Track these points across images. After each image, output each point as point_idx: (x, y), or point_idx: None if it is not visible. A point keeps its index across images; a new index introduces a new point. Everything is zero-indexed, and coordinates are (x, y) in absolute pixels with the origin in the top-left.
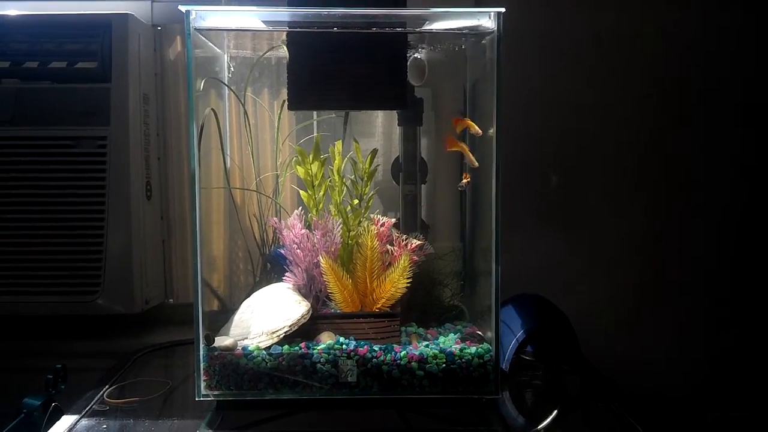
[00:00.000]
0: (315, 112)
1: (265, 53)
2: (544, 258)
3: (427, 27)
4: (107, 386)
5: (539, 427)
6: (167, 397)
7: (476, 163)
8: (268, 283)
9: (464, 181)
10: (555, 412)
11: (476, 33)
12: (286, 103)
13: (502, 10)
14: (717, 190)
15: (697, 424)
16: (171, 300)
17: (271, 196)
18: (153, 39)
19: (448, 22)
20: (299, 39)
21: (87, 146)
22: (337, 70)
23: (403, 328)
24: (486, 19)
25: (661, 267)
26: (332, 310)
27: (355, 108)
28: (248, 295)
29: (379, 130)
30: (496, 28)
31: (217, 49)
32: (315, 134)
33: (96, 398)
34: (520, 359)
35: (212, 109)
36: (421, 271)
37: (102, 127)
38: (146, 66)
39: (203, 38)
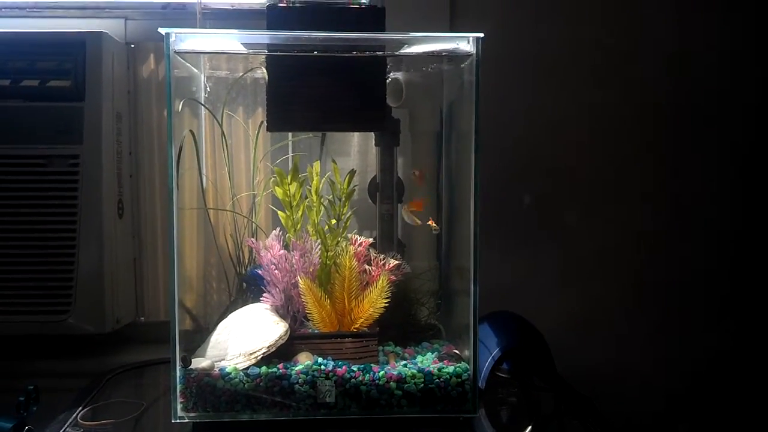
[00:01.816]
0: (290, 134)
1: (244, 74)
2: (517, 274)
3: (406, 50)
4: (80, 408)
5: None
6: (141, 418)
7: (418, 223)
8: (244, 302)
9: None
10: (529, 428)
11: (455, 56)
12: (265, 124)
13: (481, 35)
14: (691, 201)
15: None
16: (142, 318)
17: (247, 216)
18: (126, 57)
19: (427, 45)
20: (278, 61)
21: (59, 165)
22: (316, 92)
23: (380, 348)
24: (464, 43)
25: (636, 281)
26: (310, 331)
27: (333, 129)
28: (224, 315)
29: (355, 149)
30: (474, 52)
31: (194, 69)
32: (291, 154)
33: (69, 420)
34: (495, 377)
35: (191, 131)
36: (398, 291)
37: (74, 146)
38: (119, 84)
39: (180, 59)
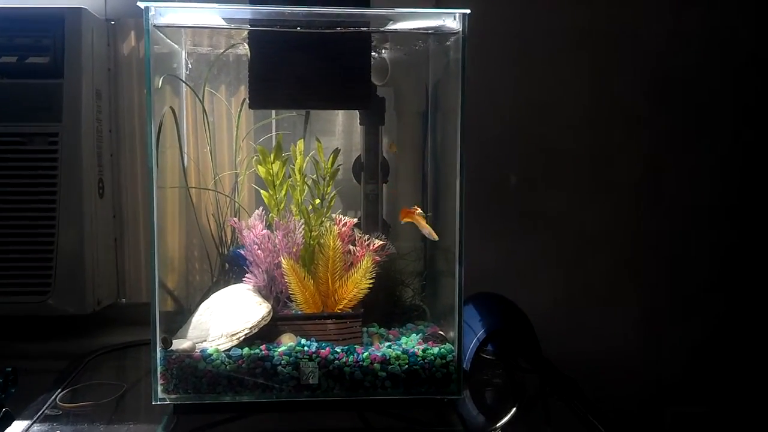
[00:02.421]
0: (274, 111)
1: (226, 50)
2: (503, 256)
3: (391, 27)
4: (60, 390)
5: (498, 425)
6: (121, 400)
7: (435, 237)
8: (226, 283)
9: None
10: (514, 410)
11: (441, 33)
12: (247, 101)
13: (468, 11)
14: (681, 187)
15: (657, 420)
16: (123, 300)
17: (229, 196)
18: (106, 34)
19: (413, 22)
20: (261, 37)
21: (38, 143)
22: (299, 69)
23: (365, 329)
24: (451, 20)
25: (622, 265)
26: (293, 311)
27: (317, 107)
28: (206, 296)
29: (340, 128)
30: (461, 30)
31: (175, 46)
32: (274, 133)
33: (48, 402)
34: (480, 358)
35: (171, 107)
36: (383, 271)
37: (54, 124)
38: (99, 61)
39: (161, 34)
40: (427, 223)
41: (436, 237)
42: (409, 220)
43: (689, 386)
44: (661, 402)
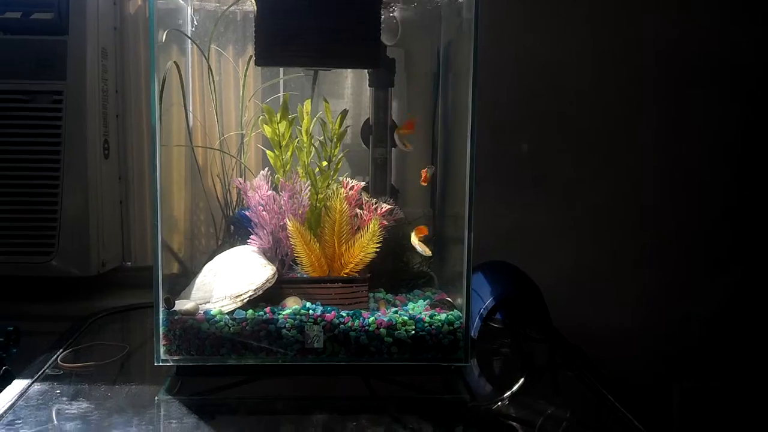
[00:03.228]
0: (282, 71)
1: (231, 6)
2: (513, 224)
3: None
4: (61, 350)
5: (505, 395)
6: (124, 361)
7: (429, 252)
8: (232, 245)
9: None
10: (521, 380)
11: None
12: (253, 58)
13: None
14: (693, 160)
15: (665, 392)
16: (129, 263)
17: (235, 156)
18: None
19: None
20: None
21: (42, 101)
22: (307, 25)
23: (371, 294)
24: None
25: (633, 235)
26: (299, 275)
27: (325, 65)
28: (211, 258)
29: (349, 91)
30: None
31: (181, 1)
32: (282, 93)
33: (49, 362)
34: (488, 326)
35: (174, 62)
36: (391, 237)
37: (58, 82)
38: (105, 19)
39: None
40: (430, 175)
41: (429, 253)
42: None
43: (699, 360)
44: (671, 376)
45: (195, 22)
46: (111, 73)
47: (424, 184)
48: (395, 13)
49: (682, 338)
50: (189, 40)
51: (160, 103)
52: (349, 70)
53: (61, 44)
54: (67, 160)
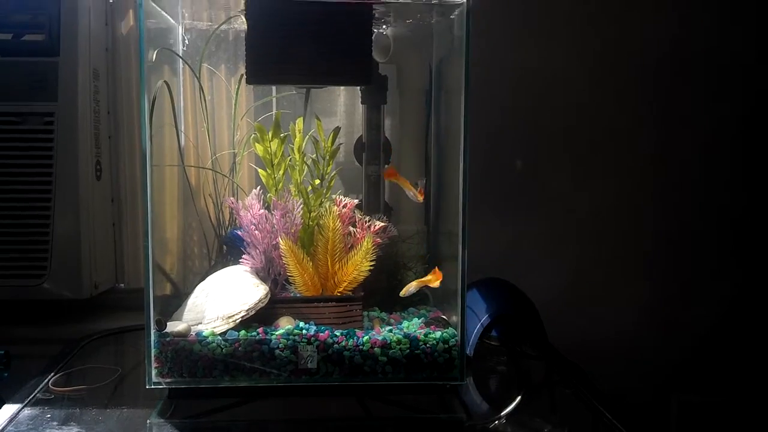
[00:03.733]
0: (274, 89)
1: (222, 24)
2: (507, 241)
3: None
4: (53, 374)
5: (502, 413)
6: (117, 385)
7: (420, 198)
8: (224, 266)
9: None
10: (519, 398)
11: (444, 4)
12: (244, 77)
13: None
14: (685, 168)
15: (663, 407)
16: (122, 285)
17: (227, 175)
18: (105, 12)
19: None
20: (259, 9)
21: (33, 123)
22: (298, 43)
23: (365, 313)
24: None
25: (635, 239)
26: (292, 294)
27: (317, 82)
28: (203, 279)
29: (341, 108)
30: (465, 1)
31: (171, 20)
32: (275, 111)
33: (40, 386)
34: (484, 344)
35: (165, 81)
36: (385, 255)
37: (49, 103)
38: (97, 40)
39: (156, 7)
40: (419, 191)
41: (420, 198)
42: (394, 180)
43: (697, 374)
44: (669, 390)
45: (186, 41)
46: (103, 94)
47: (421, 199)
48: (387, 30)
49: (680, 351)
50: (181, 60)
51: (151, 123)
52: (342, 87)
53: (52, 66)
54: (58, 181)
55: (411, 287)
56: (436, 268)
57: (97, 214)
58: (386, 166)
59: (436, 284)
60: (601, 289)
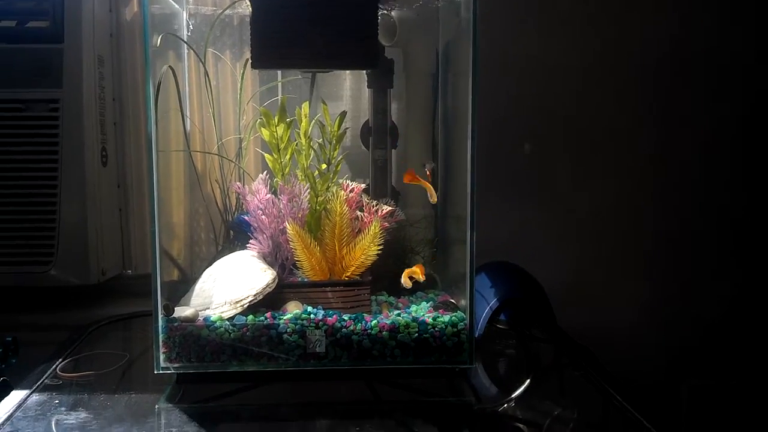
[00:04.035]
0: (280, 73)
1: (226, 9)
2: (516, 226)
3: None
4: (60, 360)
5: (512, 396)
6: (125, 370)
7: (435, 199)
8: (232, 251)
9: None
10: (528, 381)
11: None
12: (249, 61)
13: None
14: (685, 167)
15: (672, 391)
16: (129, 271)
17: (233, 160)
18: None
19: None
20: None
21: (38, 109)
22: (302, 26)
23: (373, 297)
24: None
25: (636, 236)
26: (299, 279)
27: (322, 66)
28: (210, 264)
29: (348, 92)
30: None
31: (176, 5)
32: (280, 96)
33: (48, 372)
34: (493, 328)
35: (170, 66)
36: (392, 239)
37: (54, 90)
38: (101, 26)
39: None
40: (431, 182)
41: (434, 200)
42: (415, 182)
43: (705, 359)
44: (677, 376)
45: (191, 26)
46: (108, 81)
47: (434, 200)
48: (393, 13)
49: (687, 338)
50: (185, 46)
51: (156, 109)
52: (348, 71)
53: (57, 52)
54: (64, 168)
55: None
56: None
57: (103, 200)
58: (406, 170)
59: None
60: (607, 277)
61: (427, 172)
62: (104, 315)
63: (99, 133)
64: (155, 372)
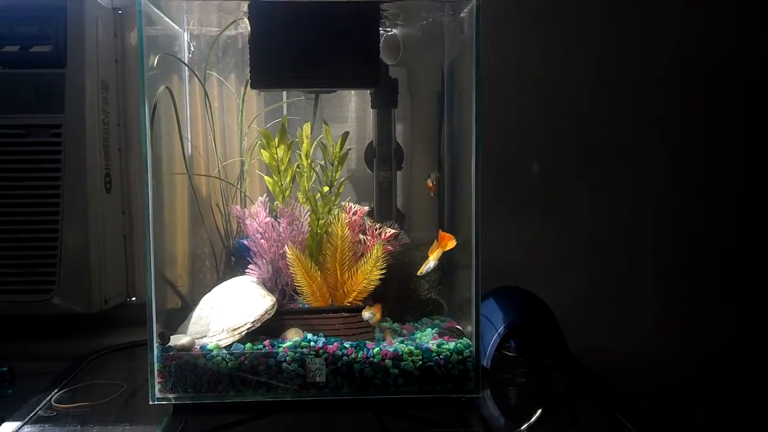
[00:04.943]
0: (285, 95)
1: (225, 29)
2: (525, 248)
3: None
4: (56, 390)
5: (523, 427)
6: (123, 401)
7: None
8: (233, 277)
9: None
10: (539, 411)
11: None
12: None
13: None
14: (705, 172)
15: (688, 418)
16: (133, 299)
17: (234, 184)
18: (113, 23)
19: None
20: (262, 11)
21: (40, 135)
22: (303, 45)
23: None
24: None
25: (646, 257)
26: (300, 305)
27: (323, 86)
28: (209, 291)
29: (353, 114)
30: None
31: (176, 27)
32: (285, 117)
33: (42, 403)
34: (502, 355)
35: (167, 87)
36: (397, 263)
37: (56, 115)
38: (105, 51)
39: (160, 14)
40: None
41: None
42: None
43: (720, 384)
44: (691, 398)
45: (192, 48)
46: (112, 106)
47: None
48: (397, 31)
49: (701, 360)
50: (186, 68)
51: (152, 130)
52: (353, 92)
53: (59, 77)
54: (66, 194)
55: (429, 263)
56: (440, 231)
57: (107, 226)
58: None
59: (452, 244)
60: (619, 299)
61: (430, 184)
62: (105, 344)
63: (103, 158)
64: (150, 402)
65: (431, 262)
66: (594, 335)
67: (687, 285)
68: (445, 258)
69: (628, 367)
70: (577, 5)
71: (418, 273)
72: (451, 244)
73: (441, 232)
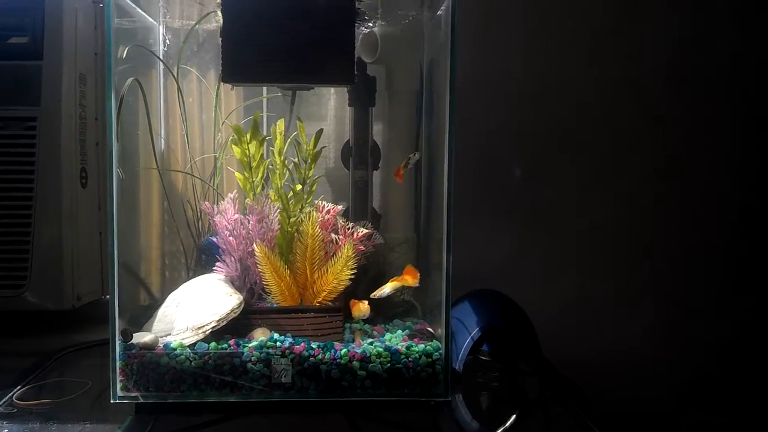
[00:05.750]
0: (264, 90)
1: (198, 22)
2: (505, 252)
3: None
4: (18, 387)
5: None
6: (86, 399)
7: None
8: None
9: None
10: (513, 416)
11: None
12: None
13: None
14: (699, 175)
15: (674, 428)
16: (107, 296)
17: (206, 180)
18: (94, 16)
19: None
20: (236, 3)
21: (14, 128)
22: (277, 38)
23: (347, 325)
24: None
25: (627, 263)
26: (269, 304)
27: (297, 81)
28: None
29: (331, 112)
30: None
31: (151, 20)
32: (265, 113)
33: (3, 400)
34: (475, 359)
35: (137, 79)
36: (372, 264)
37: (32, 108)
38: (84, 44)
39: (134, 6)
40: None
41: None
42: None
43: (707, 393)
44: (678, 409)
45: (167, 41)
46: (90, 100)
47: (399, 181)
48: (375, 28)
49: (688, 369)
50: (160, 62)
51: (118, 122)
52: (332, 90)
53: (36, 69)
54: (40, 188)
55: (385, 288)
56: (410, 266)
57: (81, 222)
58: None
59: (413, 283)
60: (608, 305)
61: (400, 169)
62: (76, 341)
63: (78, 153)
64: (111, 401)
65: (386, 289)
66: (579, 342)
67: (679, 290)
68: (422, 259)
69: (616, 373)
70: (573, 3)
71: (372, 296)
72: (412, 282)
73: (408, 267)
